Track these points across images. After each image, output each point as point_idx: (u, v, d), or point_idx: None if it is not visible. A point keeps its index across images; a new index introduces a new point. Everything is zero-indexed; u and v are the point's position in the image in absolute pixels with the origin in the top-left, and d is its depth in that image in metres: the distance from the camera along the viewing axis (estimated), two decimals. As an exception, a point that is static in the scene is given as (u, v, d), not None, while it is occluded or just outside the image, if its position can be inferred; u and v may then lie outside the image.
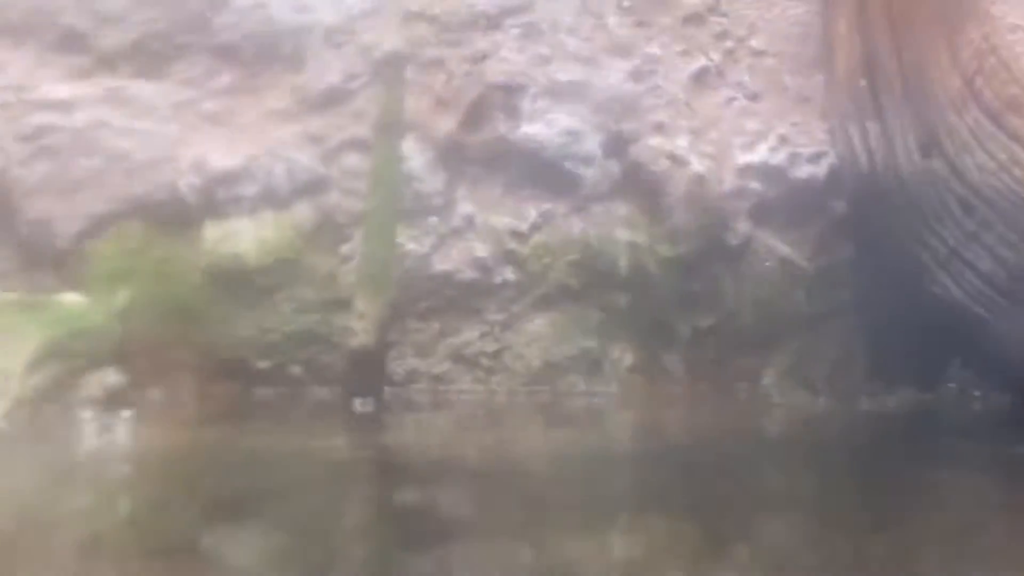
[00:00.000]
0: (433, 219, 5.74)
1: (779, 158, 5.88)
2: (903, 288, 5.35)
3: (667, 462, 4.17)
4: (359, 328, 5.19)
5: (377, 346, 5.19)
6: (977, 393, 5.59)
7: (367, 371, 5.19)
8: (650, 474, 3.98)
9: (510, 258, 5.73)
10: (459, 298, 5.71)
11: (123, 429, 4.52)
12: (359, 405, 5.18)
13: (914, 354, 5.51)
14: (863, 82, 5.45)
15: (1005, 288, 5.10)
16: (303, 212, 5.72)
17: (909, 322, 5.39)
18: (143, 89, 5.77)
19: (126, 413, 4.85)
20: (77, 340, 5.16)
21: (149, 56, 5.81)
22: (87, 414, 4.87)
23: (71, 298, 5.31)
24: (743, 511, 3.34)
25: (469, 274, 5.70)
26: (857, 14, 5.50)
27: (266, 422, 4.95)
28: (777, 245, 5.87)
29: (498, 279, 5.72)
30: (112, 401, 4.93)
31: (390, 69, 5.24)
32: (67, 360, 5.07)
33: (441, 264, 5.70)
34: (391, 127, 5.22)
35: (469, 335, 5.71)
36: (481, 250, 5.72)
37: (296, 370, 5.61)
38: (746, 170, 5.86)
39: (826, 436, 4.64)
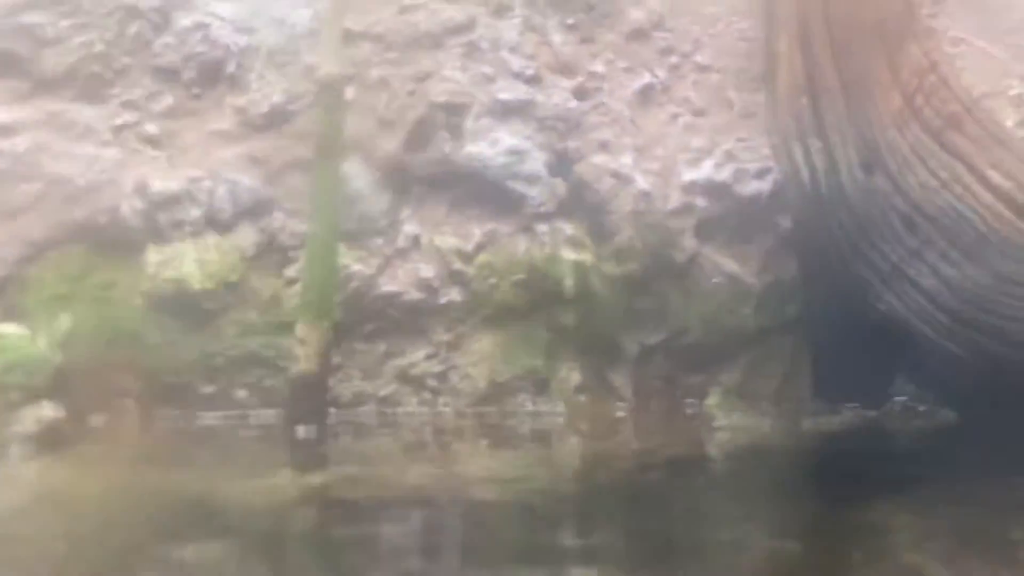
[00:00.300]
0: (378, 240, 5.71)
1: (725, 174, 5.87)
2: (847, 305, 5.34)
3: (597, 496, 4.14)
4: (300, 354, 5.14)
5: (319, 371, 5.15)
6: (922, 409, 5.59)
7: (309, 397, 5.16)
8: (578, 511, 3.93)
9: (456, 278, 5.71)
10: (405, 319, 5.69)
11: (42, 466, 4.41)
12: (302, 431, 5.13)
13: (859, 371, 5.50)
14: (805, 100, 5.43)
15: (947, 305, 5.10)
16: (247, 234, 5.69)
17: (854, 339, 5.38)
18: (83, 112, 5.73)
19: (59, 447, 4.76)
20: (11, 373, 5.10)
21: (89, 79, 5.77)
22: (16, 450, 4.79)
23: (8, 328, 5.26)
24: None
25: (415, 295, 5.68)
26: (798, 31, 5.47)
27: (206, 451, 4.89)
28: (724, 261, 5.87)
29: (444, 299, 5.70)
30: (47, 435, 4.85)
31: (329, 91, 5.19)
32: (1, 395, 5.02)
33: (387, 285, 5.68)
34: (331, 149, 5.18)
35: (415, 356, 5.69)
36: (426, 270, 5.70)
37: (241, 394, 5.58)
38: (692, 187, 5.85)
39: (760, 467, 4.61)
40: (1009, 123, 5.82)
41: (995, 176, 5.14)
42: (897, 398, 5.69)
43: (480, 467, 4.64)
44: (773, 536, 3.56)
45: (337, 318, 5.48)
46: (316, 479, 4.35)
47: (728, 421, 5.38)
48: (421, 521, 3.82)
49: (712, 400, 5.52)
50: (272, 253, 5.69)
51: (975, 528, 3.28)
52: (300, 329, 5.15)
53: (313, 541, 3.67)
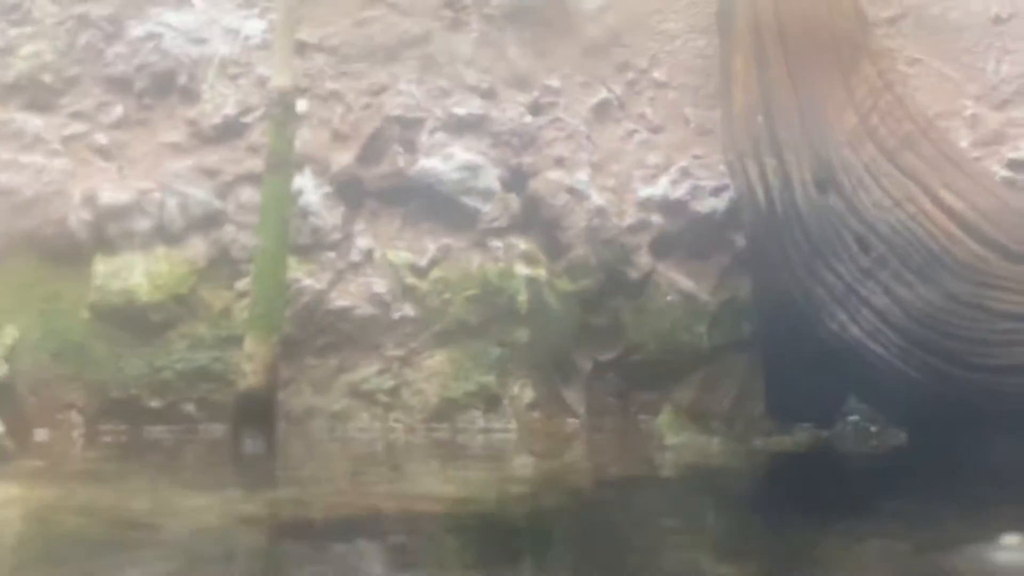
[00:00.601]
0: (330, 254, 5.66)
1: (680, 191, 5.85)
2: (800, 324, 5.32)
3: (544, 517, 4.10)
4: (248, 369, 5.08)
5: (267, 386, 5.09)
6: (874, 429, 5.58)
7: (257, 412, 5.08)
8: (522, 532, 3.88)
9: (408, 293, 5.66)
10: (357, 334, 5.64)
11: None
12: (249, 446, 5.06)
13: (811, 391, 5.48)
14: (760, 117, 5.42)
15: (900, 325, 5.09)
16: (197, 247, 5.63)
17: (806, 358, 5.36)
18: (32, 122, 5.66)
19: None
20: (-48, 388, 5.04)
21: (38, 88, 5.70)
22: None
23: (-49, 342, 5.20)
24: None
25: (367, 309, 5.63)
26: (754, 50, 5.46)
27: (150, 468, 4.82)
28: (678, 279, 5.84)
29: (396, 314, 5.65)
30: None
31: (279, 104, 5.14)
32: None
33: (339, 299, 5.63)
34: (281, 163, 5.12)
35: (367, 371, 5.64)
36: (379, 285, 5.65)
37: (190, 408, 5.52)
38: (647, 203, 5.83)
39: (705, 488, 4.58)
40: (964, 144, 5.83)
41: (948, 196, 5.14)
42: (850, 418, 5.68)
43: (428, 486, 4.57)
44: (717, 560, 3.52)
45: (287, 332, 5.42)
46: (258, 498, 4.27)
47: (678, 440, 5.35)
48: (365, 543, 3.76)
49: (662, 419, 5.49)
50: (223, 266, 5.63)
51: (910, 560, 3.24)
52: (247, 343, 5.09)
53: (249, 562, 3.60)
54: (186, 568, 3.39)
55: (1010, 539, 3.37)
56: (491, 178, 5.73)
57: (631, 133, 5.94)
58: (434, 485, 4.64)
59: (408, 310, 5.65)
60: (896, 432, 5.46)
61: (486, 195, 5.72)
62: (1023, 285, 4.94)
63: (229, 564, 3.48)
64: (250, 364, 5.08)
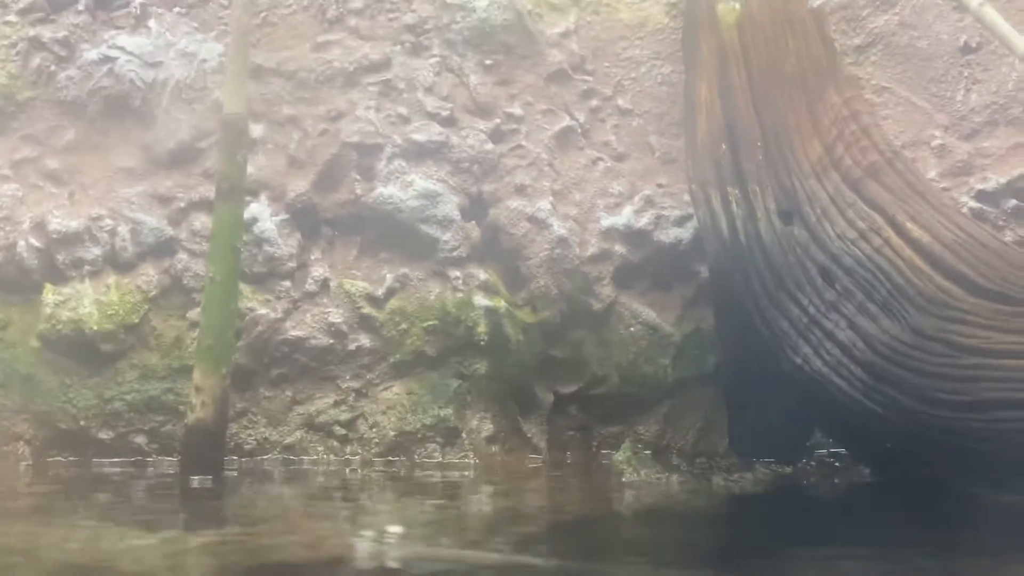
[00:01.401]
0: (285, 283, 5.55)
1: (644, 220, 5.75)
2: (763, 357, 5.21)
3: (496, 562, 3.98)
4: (196, 402, 4.96)
5: (216, 419, 4.97)
6: (838, 465, 5.47)
7: (205, 446, 4.96)
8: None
9: (365, 323, 5.55)
10: (312, 365, 5.52)
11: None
12: (197, 482, 4.94)
13: (775, 426, 5.38)
14: (724, 147, 5.32)
15: (864, 359, 4.98)
16: (149, 275, 5.52)
17: (769, 392, 5.26)
18: (-19, 146, 5.55)
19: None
20: None
21: (-12, 112, 5.59)
22: None
23: None
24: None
25: (323, 340, 5.51)
26: (718, 78, 5.38)
27: (95, 504, 4.69)
28: (642, 310, 5.74)
29: (353, 345, 5.53)
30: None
31: (231, 130, 5.02)
32: None
33: (294, 330, 5.51)
34: (232, 190, 5.01)
35: (322, 403, 5.53)
36: (335, 315, 5.54)
37: (140, 441, 5.40)
38: (610, 233, 5.72)
39: (661, 530, 4.45)
40: (932, 174, 5.75)
41: (913, 228, 5.04)
42: (815, 452, 5.58)
43: (382, 525, 4.44)
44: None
45: (240, 361, 5.31)
46: (198, 539, 4.14)
47: (637, 477, 5.23)
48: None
49: (621, 455, 5.37)
50: (175, 295, 5.51)
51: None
52: (196, 376, 4.97)
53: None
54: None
55: None
56: (451, 206, 5.62)
57: (594, 161, 5.84)
58: (388, 523, 4.51)
59: (364, 341, 5.54)
60: (860, 468, 5.36)
61: (445, 223, 5.61)
62: (989, 320, 4.83)
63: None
64: (198, 397, 4.96)
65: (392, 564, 3.88)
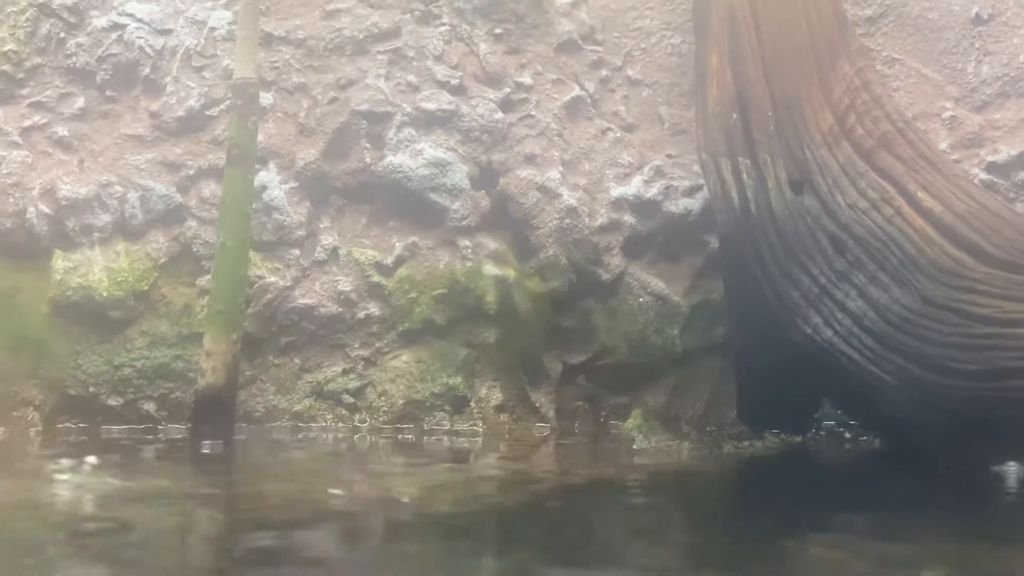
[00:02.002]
0: (294, 251, 5.54)
1: (654, 191, 5.74)
2: (773, 327, 5.20)
3: (505, 518, 3.96)
4: (207, 367, 4.95)
5: (226, 385, 4.96)
6: (847, 435, 5.47)
7: (216, 411, 4.95)
8: (482, 533, 3.75)
9: (374, 292, 5.54)
10: (321, 333, 5.52)
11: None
12: (208, 448, 4.93)
13: (784, 395, 5.37)
14: (735, 116, 5.31)
15: (874, 329, 4.97)
16: (158, 242, 5.51)
17: (779, 362, 5.25)
18: (-9, 112, 5.54)
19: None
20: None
21: (-3, 78, 5.58)
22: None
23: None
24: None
25: (332, 308, 5.51)
26: (729, 47, 5.36)
27: (104, 467, 4.67)
28: (651, 280, 5.73)
29: (362, 313, 5.53)
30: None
31: (242, 96, 5.01)
32: None
33: (303, 298, 5.51)
34: (243, 156, 5.00)
35: (331, 371, 5.52)
36: (344, 283, 5.53)
37: (149, 407, 5.39)
38: (619, 203, 5.72)
39: (672, 493, 4.43)
40: (943, 145, 5.74)
41: (925, 198, 5.03)
42: (824, 423, 5.57)
43: (390, 486, 4.44)
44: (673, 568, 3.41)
45: (250, 329, 5.31)
46: (211, 493, 4.13)
47: (648, 444, 5.22)
48: (321, 541, 3.62)
49: (632, 422, 5.37)
50: (185, 262, 5.51)
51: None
52: (207, 341, 4.96)
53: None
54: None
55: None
56: (460, 175, 5.61)
57: (604, 131, 5.83)
58: (396, 484, 4.51)
59: (373, 309, 5.53)
60: (869, 438, 5.35)
61: (455, 192, 5.61)
62: (1001, 289, 4.82)
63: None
64: (209, 362, 4.95)
65: (409, 515, 3.88)
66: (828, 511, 4.05)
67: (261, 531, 3.67)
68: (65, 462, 4.66)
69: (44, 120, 5.58)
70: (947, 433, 4.93)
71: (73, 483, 4.36)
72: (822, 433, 5.51)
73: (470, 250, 5.59)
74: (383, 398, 5.51)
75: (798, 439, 5.39)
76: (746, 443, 5.27)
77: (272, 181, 5.52)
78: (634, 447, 5.21)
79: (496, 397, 5.54)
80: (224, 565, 3.41)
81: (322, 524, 3.80)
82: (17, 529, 3.66)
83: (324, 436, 5.35)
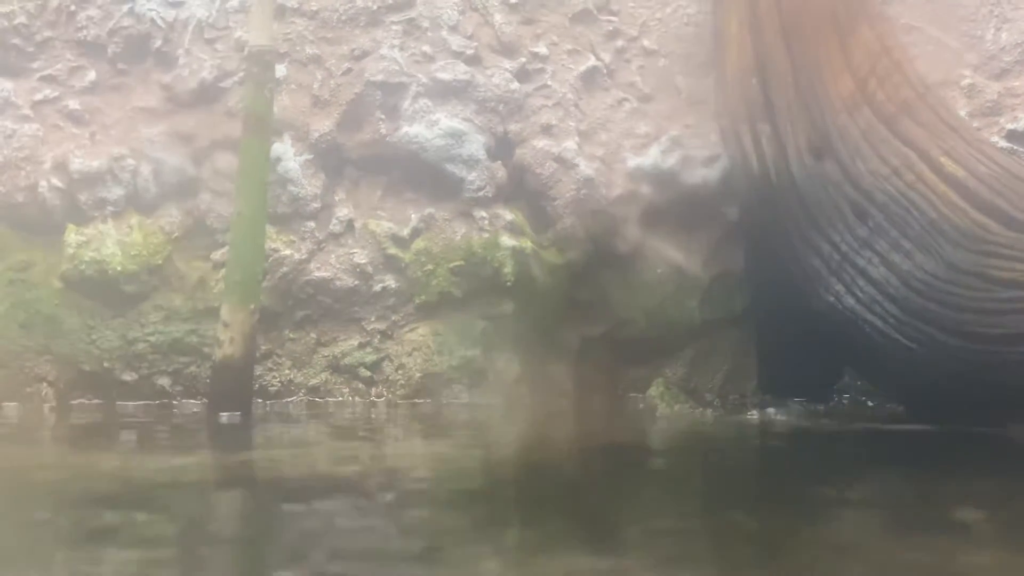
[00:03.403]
0: (310, 224, 5.49)
1: (671, 161, 5.68)
2: (795, 296, 5.16)
3: (527, 479, 3.92)
4: (224, 338, 4.90)
5: (244, 356, 4.91)
6: (871, 403, 5.42)
7: (234, 382, 4.91)
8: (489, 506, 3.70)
9: (390, 264, 5.49)
10: (337, 306, 5.47)
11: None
12: (226, 419, 4.88)
13: (807, 364, 5.33)
14: (755, 82, 5.26)
15: (898, 296, 4.93)
16: (172, 216, 5.45)
17: (801, 331, 5.20)
18: (2, 86, 5.48)
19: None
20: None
21: (8, 52, 5.52)
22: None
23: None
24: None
25: (348, 281, 5.46)
26: (748, 13, 5.32)
27: (124, 439, 4.63)
28: (669, 252, 5.68)
29: (378, 286, 5.48)
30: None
31: (258, 64, 4.96)
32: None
33: (318, 271, 5.46)
34: (259, 125, 4.95)
35: (347, 345, 5.47)
36: (360, 256, 5.48)
37: (164, 382, 5.34)
38: (637, 174, 5.66)
39: (699, 456, 4.39)
40: (962, 113, 5.67)
41: (948, 164, 4.98)
42: (846, 392, 5.53)
43: (409, 452, 4.40)
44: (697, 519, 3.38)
45: (265, 303, 5.26)
46: (234, 459, 4.09)
47: (671, 411, 5.18)
48: (345, 502, 3.58)
49: (655, 390, 5.32)
50: (199, 235, 5.45)
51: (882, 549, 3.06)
52: (224, 311, 4.92)
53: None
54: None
55: None
56: (476, 146, 5.56)
57: (620, 101, 5.77)
58: (415, 451, 4.46)
59: (390, 282, 5.48)
60: (893, 406, 5.30)
61: (471, 163, 5.55)
62: (1025, 253, 4.77)
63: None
64: (227, 333, 4.91)
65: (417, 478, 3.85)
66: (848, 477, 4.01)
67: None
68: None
69: (55, 94, 5.52)
70: (970, 397, 4.89)
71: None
72: (844, 402, 5.46)
73: (487, 221, 5.54)
74: (400, 371, 5.46)
75: (821, 407, 5.34)
76: (769, 411, 5.22)
77: (287, 153, 5.47)
78: (657, 415, 5.16)
79: (514, 370, 5.49)
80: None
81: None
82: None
83: (340, 411, 5.30)
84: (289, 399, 5.41)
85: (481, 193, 5.55)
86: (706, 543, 3.11)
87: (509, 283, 5.45)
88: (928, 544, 3.03)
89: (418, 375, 5.44)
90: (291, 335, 5.45)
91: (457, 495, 3.69)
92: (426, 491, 3.73)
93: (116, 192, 5.41)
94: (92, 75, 5.55)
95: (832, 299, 5.07)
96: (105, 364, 5.31)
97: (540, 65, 5.73)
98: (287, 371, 5.44)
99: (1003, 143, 5.68)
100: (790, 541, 3.09)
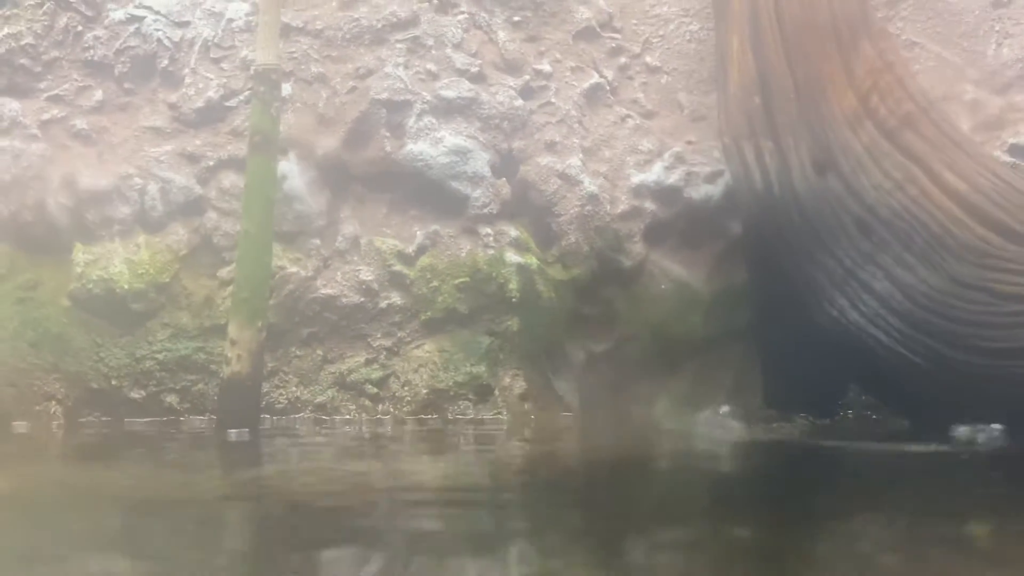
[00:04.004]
0: (315, 241, 5.52)
1: (674, 177, 5.72)
2: (799, 310, 5.18)
3: (534, 493, 3.94)
4: (232, 356, 4.92)
5: (252, 373, 4.93)
6: (875, 417, 5.44)
7: (241, 399, 4.93)
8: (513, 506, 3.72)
9: (396, 281, 5.52)
10: (343, 323, 5.49)
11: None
12: (234, 436, 4.90)
13: (811, 378, 5.34)
14: (757, 99, 5.29)
15: (901, 310, 4.95)
16: (179, 234, 5.48)
17: (805, 346, 5.22)
18: (9, 106, 5.52)
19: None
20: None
21: (16, 71, 5.56)
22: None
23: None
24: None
25: (354, 298, 5.48)
26: (750, 30, 5.35)
27: (134, 456, 4.65)
28: (672, 267, 5.71)
29: (384, 303, 5.50)
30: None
31: (264, 82, 4.99)
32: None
33: (324, 288, 5.48)
34: (266, 142, 4.98)
35: (354, 361, 5.49)
36: (366, 273, 5.51)
37: (171, 400, 5.36)
38: (640, 190, 5.69)
39: (700, 470, 4.40)
40: (964, 128, 5.69)
41: (950, 178, 5.01)
42: (850, 407, 5.54)
43: (415, 469, 4.41)
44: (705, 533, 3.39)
45: (272, 320, 5.28)
46: (244, 476, 4.11)
47: (677, 429, 5.19)
48: (353, 518, 3.59)
49: (660, 406, 5.34)
50: (206, 254, 5.48)
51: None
52: (231, 329, 4.94)
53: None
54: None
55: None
56: (481, 163, 5.59)
57: (623, 118, 5.81)
58: (421, 468, 4.48)
59: (395, 298, 5.51)
60: (898, 420, 5.32)
61: (475, 180, 5.58)
62: (1028, 267, 4.79)
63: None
64: (234, 350, 4.93)
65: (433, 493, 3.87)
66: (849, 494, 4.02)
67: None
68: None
69: (63, 113, 5.56)
70: (976, 413, 4.90)
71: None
72: (849, 416, 5.48)
73: (492, 238, 5.56)
74: (406, 388, 5.48)
75: (826, 422, 5.35)
76: (775, 426, 5.23)
77: (292, 171, 5.50)
78: (662, 431, 5.18)
79: (519, 385, 5.51)
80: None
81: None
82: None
83: (347, 427, 5.31)
84: (296, 415, 5.42)
85: (486, 210, 5.58)
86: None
87: (514, 299, 5.48)
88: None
89: (424, 391, 5.46)
90: (298, 352, 5.48)
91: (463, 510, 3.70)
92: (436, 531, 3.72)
93: (123, 211, 5.44)
94: (99, 95, 5.59)
95: (836, 313, 5.10)
96: (113, 382, 5.33)
97: (544, 82, 5.76)
98: (294, 388, 5.46)
99: (1006, 157, 5.70)
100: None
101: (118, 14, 5.64)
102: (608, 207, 5.64)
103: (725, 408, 5.14)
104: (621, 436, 5.19)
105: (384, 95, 5.61)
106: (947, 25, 5.90)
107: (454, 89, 5.64)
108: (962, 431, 4.80)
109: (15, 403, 5.23)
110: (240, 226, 5.15)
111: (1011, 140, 5.76)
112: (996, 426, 4.80)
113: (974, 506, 3.70)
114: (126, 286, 5.35)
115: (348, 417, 5.43)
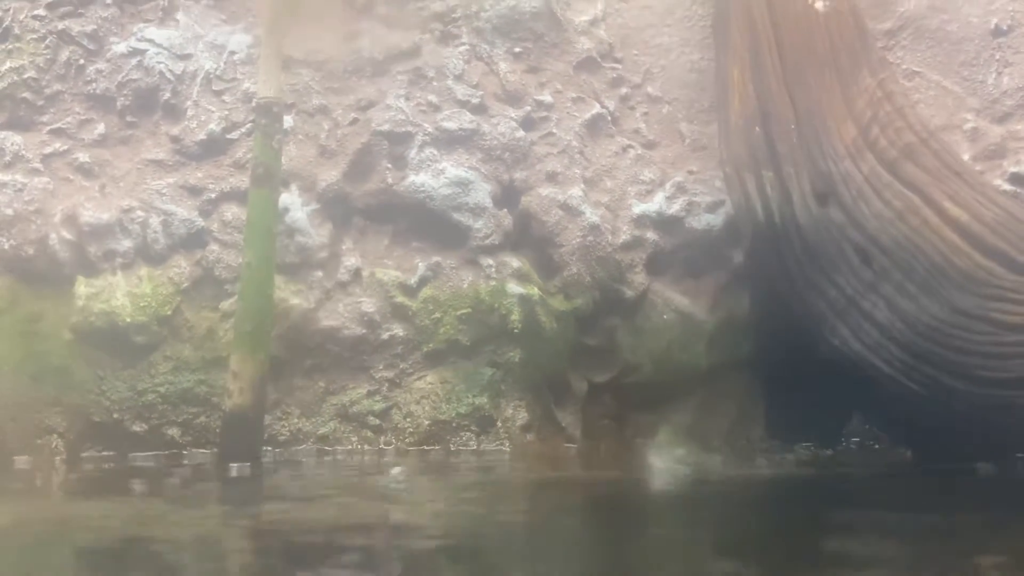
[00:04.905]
0: (317, 273, 5.52)
1: (676, 207, 5.72)
2: (801, 340, 5.19)
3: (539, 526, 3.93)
4: (234, 388, 4.92)
5: (254, 405, 4.93)
6: (877, 447, 5.43)
7: (243, 432, 4.93)
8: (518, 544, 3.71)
9: (398, 313, 5.51)
10: (345, 355, 5.49)
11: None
12: (235, 470, 4.89)
13: (813, 408, 5.34)
14: (758, 129, 5.30)
15: (903, 339, 4.95)
16: (181, 267, 5.49)
17: (807, 375, 5.22)
18: (11, 140, 5.52)
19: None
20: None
21: (18, 105, 5.57)
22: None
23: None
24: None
25: (356, 330, 5.48)
26: (751, 60, 5.36)
27: (137, 489, 4.64)
28: (675, 297, 5.71)
29: (386, 335, 5.50)
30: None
31: (266, 115, 5.01)
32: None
33: (327, 319, 5.48)
34: (267, 175, 4.99)
35: (356, 393, 5.49)
36: (368, 305, 5.51)
37: (173, 433, 5.35)
38: (642, 220, 5.70)
39: (703, 501, 4.38)
40: (965, 157, 5.71)
41: (951, 207, 5.02)
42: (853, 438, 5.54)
43: (426, 497, 4.41)
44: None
45: (274, 352, 5.28)
46: (246, 512, 4.10)
47: (679, 457, 5.19)
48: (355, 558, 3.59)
49: (663, 436, 5.33)
50: (208, 286, 5.48)
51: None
52: (233, 361, 4.94)
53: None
54: None
55: None
56: (482, 194, 5.60)
57: (625, 148, 5.82)
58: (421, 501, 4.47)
59: (398, 330, 5.51)
60: (900, 449, 5.31)
61: (477, 211, 5.59)
62: (1030, 296, 4.79)
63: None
64: (236, 383, 4.93)
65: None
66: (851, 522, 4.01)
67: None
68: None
69: (65, 147, 5.57)
70: (978, 443, 4.90)
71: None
72: (851, 446, 5.47)
73: (494, 269, 5.57)
74: (408, 419, 5.47)
75: (828, 452, 5.34)
76: (777, 456, 5.22)
77: (294, 203, 5.50)
78: (665, 460, 5.17)
79: (522, 416, 5.50)
80: None
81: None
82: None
83: (349, 459, 5.30)
84: (298, 447, 5.42)
85: (488, 241, 5.58)
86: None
87: (516, 330, 5.47)
88: None
89: (427, 423, 5.45)
90: (300, 384, 5.47)
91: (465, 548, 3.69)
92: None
93: (125, 244, 5.45)
94: (101, 128, 5.61)
95: (838, 343, 5.09)
96: (115, 415, 5.32)
97: (545, 113, 5.78)
98: (296, 420, 5.45)
99: (1006, 186, 5.71)
100: None
101: (120, 47, 5.65)
102: (610, 237, 5.64)
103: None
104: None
105: (386, 127, 5.62)
106: (947, 54, 5.91)
107: (455, 120, 5.65)
108: None
109: (17, 437, 5.22)
110: (242, 258, 5.16)
111: (1012, 169, 5.76)
112: None
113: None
114: (128, 319, 5.35)
115: (350, 448, 5.42)
